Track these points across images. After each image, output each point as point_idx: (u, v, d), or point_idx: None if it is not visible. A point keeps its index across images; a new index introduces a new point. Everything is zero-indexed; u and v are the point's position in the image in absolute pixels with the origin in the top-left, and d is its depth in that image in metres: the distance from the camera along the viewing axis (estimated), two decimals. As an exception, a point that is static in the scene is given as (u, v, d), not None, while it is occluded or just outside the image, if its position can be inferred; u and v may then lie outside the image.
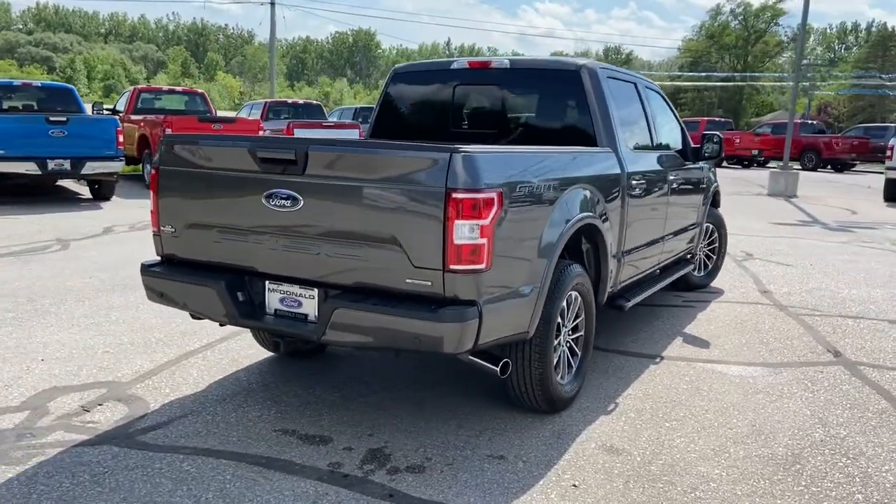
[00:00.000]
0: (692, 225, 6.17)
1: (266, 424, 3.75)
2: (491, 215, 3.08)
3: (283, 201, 3.35)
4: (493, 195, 3.10)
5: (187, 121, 13.83)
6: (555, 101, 4.78)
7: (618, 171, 4.45)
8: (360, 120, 19.28)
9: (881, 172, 28.87)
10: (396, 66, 5.38)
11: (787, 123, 19.80)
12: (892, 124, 36.33)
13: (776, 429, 3.86)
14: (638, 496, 3.13)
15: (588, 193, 3.99)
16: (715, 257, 7.11)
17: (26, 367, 4.47)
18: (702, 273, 7.02)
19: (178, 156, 3.72)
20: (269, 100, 19.98)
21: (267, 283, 3.56)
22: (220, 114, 19.71)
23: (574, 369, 4.09)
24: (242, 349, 4.88)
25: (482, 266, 3.08)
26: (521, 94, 4.94)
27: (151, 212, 3.85)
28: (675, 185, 5.47)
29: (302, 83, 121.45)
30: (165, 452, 3.42)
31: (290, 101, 19.90)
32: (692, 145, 5.96)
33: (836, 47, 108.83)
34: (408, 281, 3.14)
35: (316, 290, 3.43)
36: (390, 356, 4.76)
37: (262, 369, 4.55)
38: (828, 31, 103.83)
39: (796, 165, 28.05)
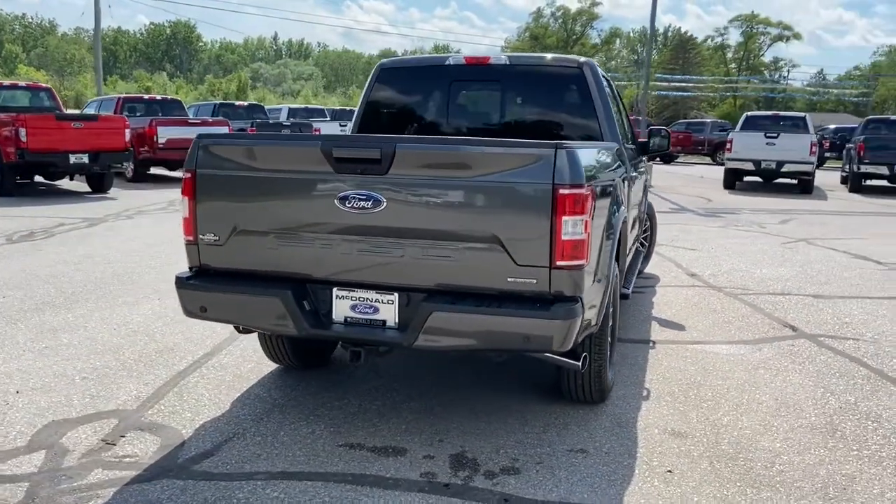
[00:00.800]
0: (643, 213, 6.50)
1: (325, 441, 3.53)
2: (589, 210, 3.09)
3: (362, 203, 3.16)
4: (590, 191, 3.11)
5: (44, 119, 12.55)
6: (557, 98, 4.84)
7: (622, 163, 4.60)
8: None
9: (702, 163, 31.66)
10: (382, 61, 5.20)
11: (637, 120, 21.18)
12: (710, 119, 39.97)
13: (797, 400, 4.16)
14: (729, 475, 3.27)
15: (621, 186, 4.10)
16: (648, 244, 7.51)
17: (4, 401, 3.91)
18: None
19: (221, 158, 3.40)
20: (122, 95, 18.45)
21: (335, 290, 3.35)
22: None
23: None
24: (238, 363, 4.55)
25: (583, 262, 3.08)
26: (521, 91, 4.95)
27: (186, 219, 3.49)
28: (639, 177, 5.73)
29: (115, 77, 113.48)
30: (238, 481, 3.14)
31: (146, 96, 18.50)
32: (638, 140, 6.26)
33: (639, 50, 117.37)
34: (509, 280, 3.08)
35: (396, 295, 3.28)
36: (394, 361, 4.64)
37: (277, 383, 4.26)
38: (631, 34, 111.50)
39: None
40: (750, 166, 17.54)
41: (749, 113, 20.24)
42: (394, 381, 4.33)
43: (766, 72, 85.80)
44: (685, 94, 76.15)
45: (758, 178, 18.33)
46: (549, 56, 4.93)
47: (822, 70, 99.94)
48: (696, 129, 34.36)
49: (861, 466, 3.39)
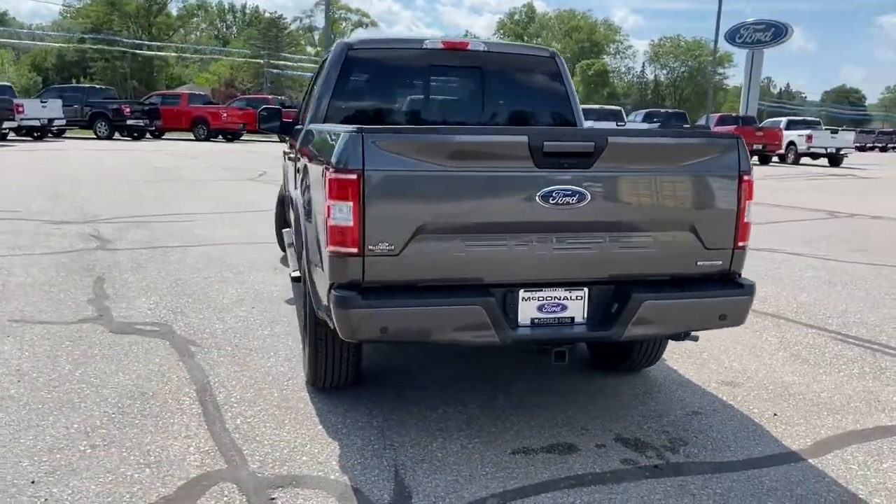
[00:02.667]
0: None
1: (492, 453, 3.32)
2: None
3: (567, 198, 3.05)
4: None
5: None
6: (532, 85, 4.95)
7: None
8: None
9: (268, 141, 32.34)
10: (348, 41, 4.69)
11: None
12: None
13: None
14: (818, 411, 3.95)
15: None
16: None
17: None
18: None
19: (396, 155, 2.92)
20: None
21: (521, 291, 3.16)
22: None
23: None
24: (254, 399, 3.89)
25: (749, 242, 3.43)
26: (499, 78, 4.93)
27: (343, 228, 2.92)
28: None
29: None
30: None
31: None
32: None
33: (219, 25, 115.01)
34: (699, 263, 3.29)
35: (585, 290, 3.23)
36: (423, 356, 4.43)
37: (341, 409, 3.77)
38: (209, 8, 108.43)
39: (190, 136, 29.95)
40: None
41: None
42: (459, 382, 4.13)
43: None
44: (291, 72, 77.58)
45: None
46: (520, 43, 5.01)
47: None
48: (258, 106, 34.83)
49: None
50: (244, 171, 17.03)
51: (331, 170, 2.95)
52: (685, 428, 3.64)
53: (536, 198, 3.02)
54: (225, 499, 2.88)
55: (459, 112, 4.85)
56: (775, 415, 3.85)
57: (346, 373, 3.78)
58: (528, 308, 3.19)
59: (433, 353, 4.55)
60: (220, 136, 31.49)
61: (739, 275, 3.40)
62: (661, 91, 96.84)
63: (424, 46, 4.72)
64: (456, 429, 3.56)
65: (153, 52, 78.34)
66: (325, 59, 5.26)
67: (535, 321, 3.21)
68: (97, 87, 32.15)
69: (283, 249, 7.30)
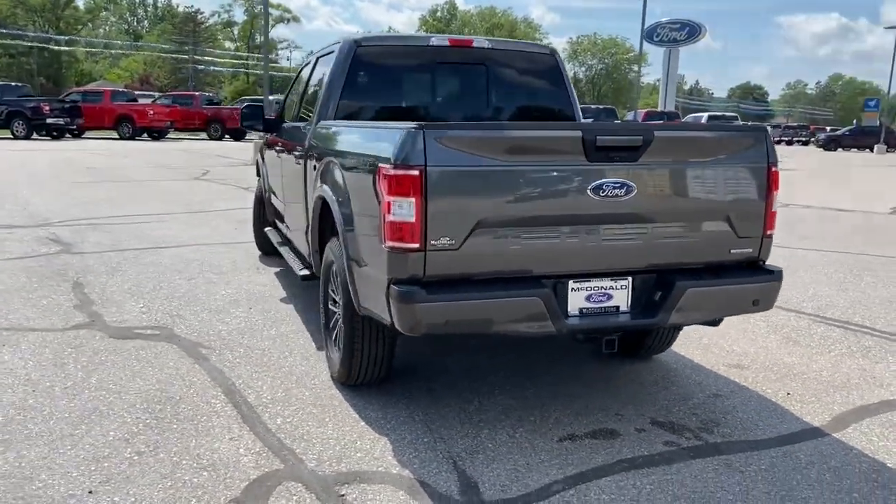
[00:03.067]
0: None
1: (540, 441, 3.40)
2: None
3: (616, 191, 3.15)
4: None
5: None
6: (534, 81, 5.02)
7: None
8: None
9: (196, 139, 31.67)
10: (356, 38, 4.64)
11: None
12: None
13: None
14: (825, 389, 4.19)
15: None
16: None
17: None
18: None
19: (456, 150, 2.96)
20: None
21: (570, 282, 3.24)
22: None
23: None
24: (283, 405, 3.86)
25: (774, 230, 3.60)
26: (503, 75, 4.98)
27: (408, 224, 2.94)
28: None
29: None
30: (541, 501, 2.92)
31: None
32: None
33: (129, 19, 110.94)
34: (732, 251, 3.44)
35: (629, 279, 3.34)
36: (447, 348, 4.47)
37: (378, 406, 3.78)
38: (119, 1, 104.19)
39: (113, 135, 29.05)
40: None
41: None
42: (483, 376, 4.18)
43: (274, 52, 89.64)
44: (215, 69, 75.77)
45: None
46: (520, 41, 5.06)
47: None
48: (183, 103, 32.62)
49: None
50: (187, 171, 16.57)
51: (389, 166, 2.96)
52: (711, 409, 3.81)
53: (588, 191, 3.11)
54: (295, 498, 2.86)
55: (466, 108, 4.89)
56: (788, 394, 4.05)
57: (381, 369, 3.78)
58: (576, 298, 3.28)
59: (458, 345, 4.59)
60: (146, 135, 30.45)
61: (765, 262, 3.58)
62: (580, 87, 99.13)
63: (431, 44, 4.74)
64: (497, 420, 3.62)
65: (62, 48, 74.99)
66: (319, 58, 5.22)
67: (583, 311, 3.30)
68: (12, 84, 30.49)
69: (261, 249, 7.19)
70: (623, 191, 3.16)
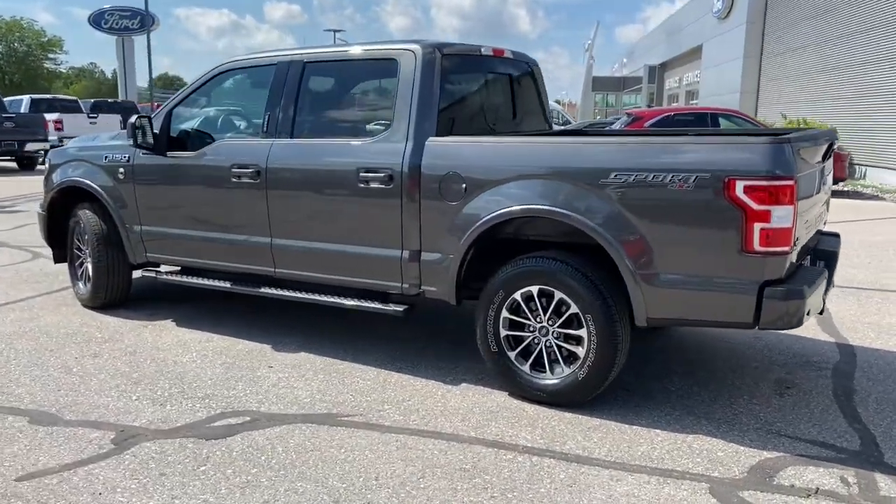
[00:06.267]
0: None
1: (747, 427, 3.60)
2: None
3: (822, 187, 4.03)
4: None
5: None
6: (530, 88, 5.20)
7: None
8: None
9: None
10: (432, 44, 4.17)
11: None
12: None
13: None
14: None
15: None
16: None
17: None
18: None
19: (801, 159, 3.44)
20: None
21: None
22: None
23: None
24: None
25: None
26: (519, 84, 5.03)
27: (785, 231, 3.30)
28: None
29: None
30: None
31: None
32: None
33: None
34: None
35: None
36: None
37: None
38: None
39: None
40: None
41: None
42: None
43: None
44: None
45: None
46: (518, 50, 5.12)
47: None
48: None
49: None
50: None
51: (763, 178, 3.26)
52: (795, 394, 4.13)
53: (816, 190, 3.91)
54: None
55: (503, 115, 4.93)
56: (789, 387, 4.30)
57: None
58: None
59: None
60: None
61: None
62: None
63: (482, 53, 4.66)
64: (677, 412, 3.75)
65: None
66: (307, 63, 4.55)
67: None
68: None
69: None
70: (825, 187, 4.09)
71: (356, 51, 4.60)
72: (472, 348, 4.21)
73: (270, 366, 4.51)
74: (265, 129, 4.66)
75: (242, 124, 5.31)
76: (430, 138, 4.12)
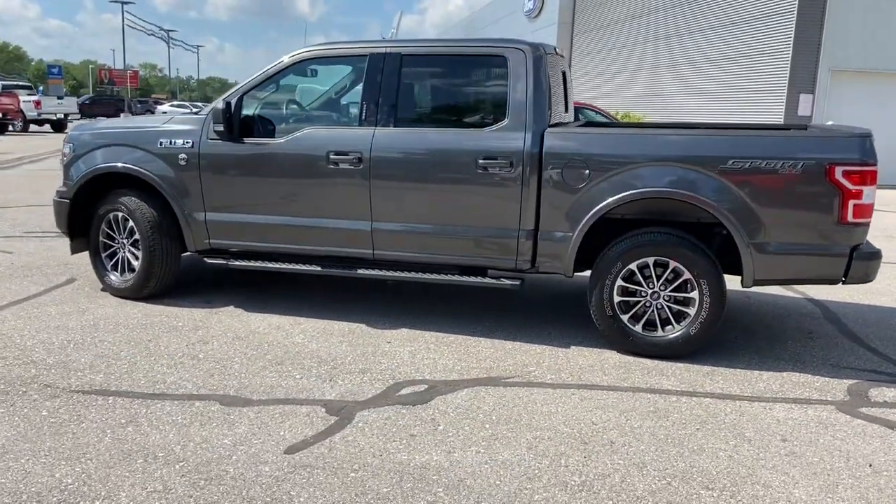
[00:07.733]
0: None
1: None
2: None
3: None
4: None
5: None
6: (566, 84, 5.79)
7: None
8: None
9: None
10: (538, 44, 4.64)
11: None
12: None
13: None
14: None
15: None
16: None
17: None
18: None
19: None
20: None
21: None
22: None
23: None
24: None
25: None
26: (565, 78, 5.61)
27: (869, 206, 4.25)
28: None
29: None
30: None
31: None
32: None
33: None
34: None
35: None
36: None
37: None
38: None
39: None
40: None
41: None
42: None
43: None
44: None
45: None
46: None
47: None
48: None
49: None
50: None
51: (856, 164, 4.20)
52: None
53: None
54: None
55: (560, 107, 5.47)
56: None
57: None
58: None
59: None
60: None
61: None
62: None
63: (557, 52, 5.23)
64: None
65: None
66: (404, 56, 4.89)
67: None
68: None
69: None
70: None
71: (459, 47, 4.99)
72: (547, 318, 5.07)
73: (389, 342, 4.80)
74: (363, 117, 4.90)
75: (327, 113, 5.45)
76: (549, 128, 4.67)
